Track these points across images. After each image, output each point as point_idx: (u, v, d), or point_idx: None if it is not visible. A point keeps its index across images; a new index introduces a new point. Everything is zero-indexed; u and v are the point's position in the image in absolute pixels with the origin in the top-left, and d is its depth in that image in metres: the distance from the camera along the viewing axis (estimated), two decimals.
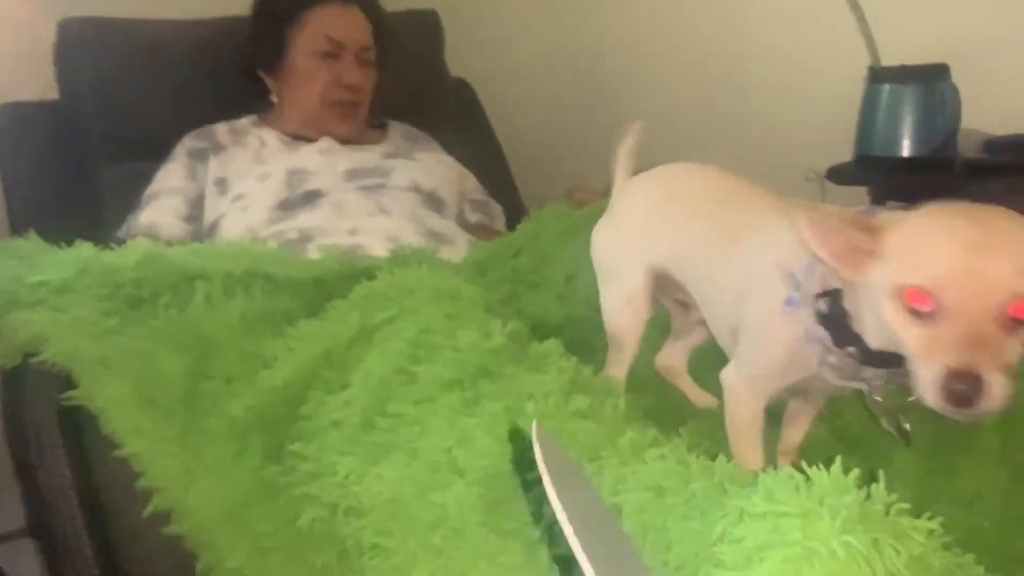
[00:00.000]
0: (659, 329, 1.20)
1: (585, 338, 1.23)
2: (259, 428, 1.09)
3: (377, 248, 1.49)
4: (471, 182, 1.86)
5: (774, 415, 1.06)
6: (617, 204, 1.16)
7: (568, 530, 0.59)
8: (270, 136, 1.74)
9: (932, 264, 0.72)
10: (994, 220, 0.72)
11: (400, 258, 1.35)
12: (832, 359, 0.83)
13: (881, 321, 0.76)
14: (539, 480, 0.66)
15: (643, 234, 1.08)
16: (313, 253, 1.46)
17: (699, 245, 1.00)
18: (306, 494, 1.00)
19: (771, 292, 0.87)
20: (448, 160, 1.84)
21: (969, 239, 0.71)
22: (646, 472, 0.82)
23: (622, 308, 1.11)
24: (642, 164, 1.16)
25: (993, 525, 0.92)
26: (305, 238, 1.54)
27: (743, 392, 0.94)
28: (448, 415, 0.96)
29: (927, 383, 0.70)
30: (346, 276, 1.22)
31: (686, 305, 1.16)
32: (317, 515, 0.99)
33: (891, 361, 0.78)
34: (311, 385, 1.07)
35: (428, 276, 1.17)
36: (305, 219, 1.57)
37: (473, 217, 1.81)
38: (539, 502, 0.81)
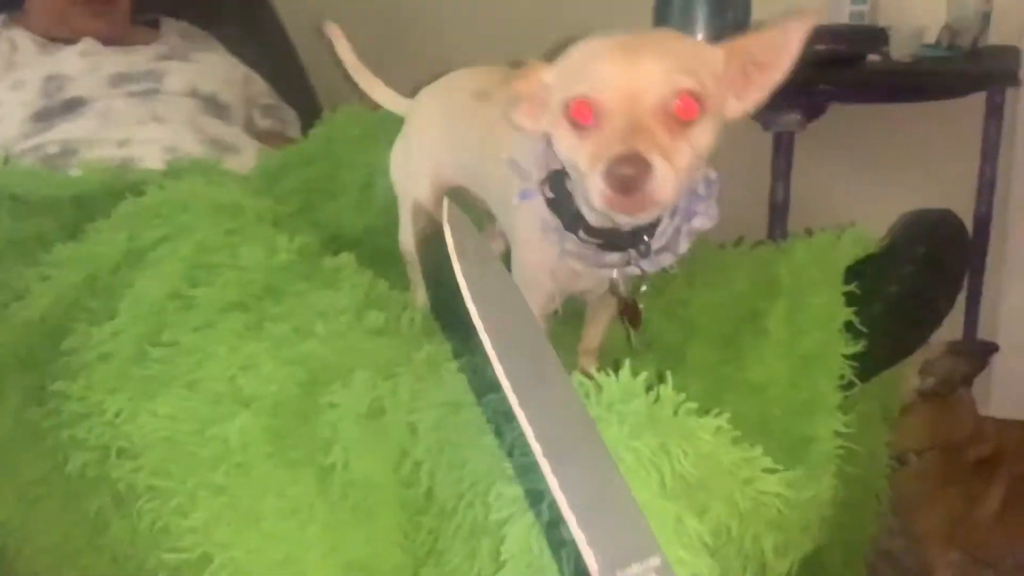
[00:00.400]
0: None
1: (385, 248, 1.18)
2: (16, 367, 0.99)
3: (152, 160, 1.36)
4: (259, 85, 1.72)
5: (574, 316, 1.05)
6: (407, 118, 1.10)
7: (479, 326, 0.53)
8: (22, 38, 1.54)
9: (590, 74, 0.70)
10: (651, 31, 0.74)
11: (176, 170, 1.23)
12: (570, 245, 0.81)
13: (564, 162, 0.74)
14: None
15: (428, 146, 1.02)
16: (78, 169, 1.30)
17: (475, 151, 0.95)
18: (73, 437, 0.91)
19: (512, 189, 0.84)
20: (231, 61, 1.69)
21: (625, 46, 0.70)
22: (441, 388, 0.79)
23: (410, 224, 1.05)
24: (443, 71, 1.10)
25: (781, 411, 0.94)
26: (68, 152, 1.38)
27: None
28: (230, 341, 0.89)
29: (593, 183, 0.68)
30: (111, 192, 1.11)
31: (490, 213, 1.12)
32: (87, 459, 0.90)
33: (621, 241, 0.79)
34: (73, 316, 0.97)
35: (204, 189, 1.08)
36: (66, 130, 1.40)
37: (263, 123, 1.68)
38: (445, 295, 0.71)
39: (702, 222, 0.82)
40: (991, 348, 1.47)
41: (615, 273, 0.83)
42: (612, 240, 0.80)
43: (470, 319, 0.53)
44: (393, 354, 0.87)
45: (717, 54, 0.72)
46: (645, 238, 0.79)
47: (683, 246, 0.83)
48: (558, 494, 0.48)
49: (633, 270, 0.82)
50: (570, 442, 0.50)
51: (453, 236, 0.58)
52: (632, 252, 0.80)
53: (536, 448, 0.49)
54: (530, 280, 0.87)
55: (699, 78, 0.69)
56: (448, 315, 0.71)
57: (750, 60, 0.72)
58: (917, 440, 1.39)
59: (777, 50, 0.72)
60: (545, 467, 0.49)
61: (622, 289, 0.83)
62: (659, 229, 0.80)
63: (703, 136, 0.70)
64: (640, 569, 0.45)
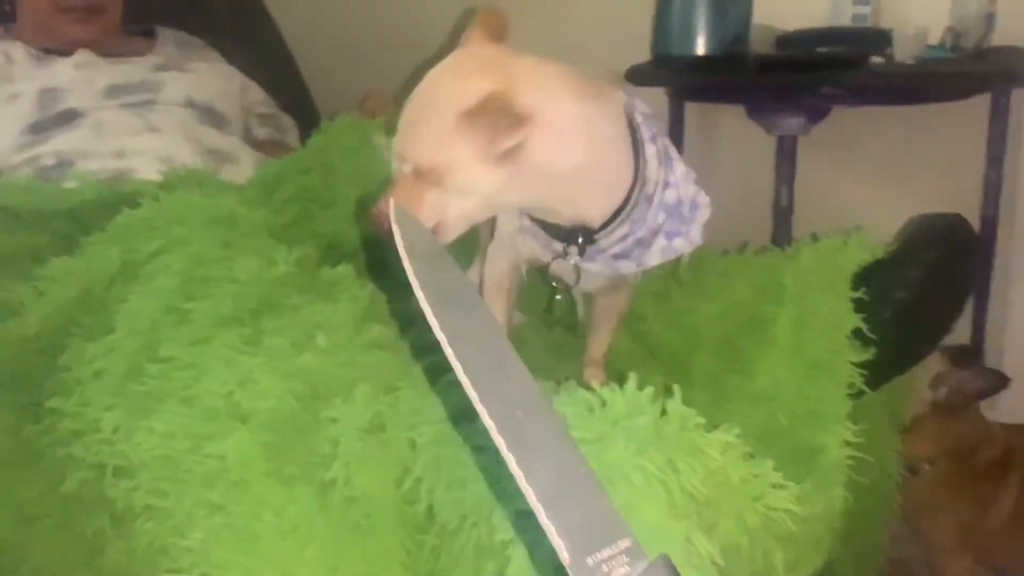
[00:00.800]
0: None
1: (384, 259, 1.16)
2: (10, 384, 0.97)
3: (149, 171, 1.34)
4: (256, 94, 1.71)
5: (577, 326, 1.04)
6: None
7: (434, 324, 0.54)
8: (16, 50, 1.53)
9: None
10: (431, 88, 0.79)
11: (172, 181, 1.21)
12: (526, 222, 0.87)
13: None
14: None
15: None
16: (73, 181, 1.29)
17: None
18: (70, 455, 0.89)
19: None
20: (228, 70, 1.67)
21: (402, 120, 0.79)
22: (440, 402, 0.77)
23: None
24: None
25: (788, 420, 0.93)
26: (64, 163, 1.37)
27: (492, 254, 0.96)
28: (226, 355, 0.88)
29: None
30: (106, 205, 1.09)
31: None
32: (83, 477, 0.88)
33: (557, 233, 0.85)
34: (68, 332, 0.95)
35: (199, 200, 1.06)
36: (61, 141, 1.39)
37: (261, 132, 1.67)
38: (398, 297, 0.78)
39: (682, 244, 0.85)
40: (1002, 382, 1.41)
41: (549, 257, 0.88)
42: (549, 229, 0.86)
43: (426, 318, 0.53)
44: (393, 368, 0.86)
45: (452, 123, 0.75)
46: (580, 239, 0.84)
47: (653, 259, 0.85)
48: (525, 487, 0.48)
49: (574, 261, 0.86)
50: (533, 433, 0.50)
51: (402, 237, 0.59)
52: (567, 246, 0.85)
53: (500, 441, 0.49)
54: (500, 244, 0.94)
55: (424, 153, 0.77)
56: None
57: (489, 124, 0.73)
58: (928, 449, 1.37)
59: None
60: (510, 460, 0.49)
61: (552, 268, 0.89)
62: (615, 234, 0.83)
63: (443, 183, 0.77)
64: (611, 552, 0.46)
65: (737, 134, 1.87)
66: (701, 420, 0.66)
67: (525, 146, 0.74)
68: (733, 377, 0.97)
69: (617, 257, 0.84)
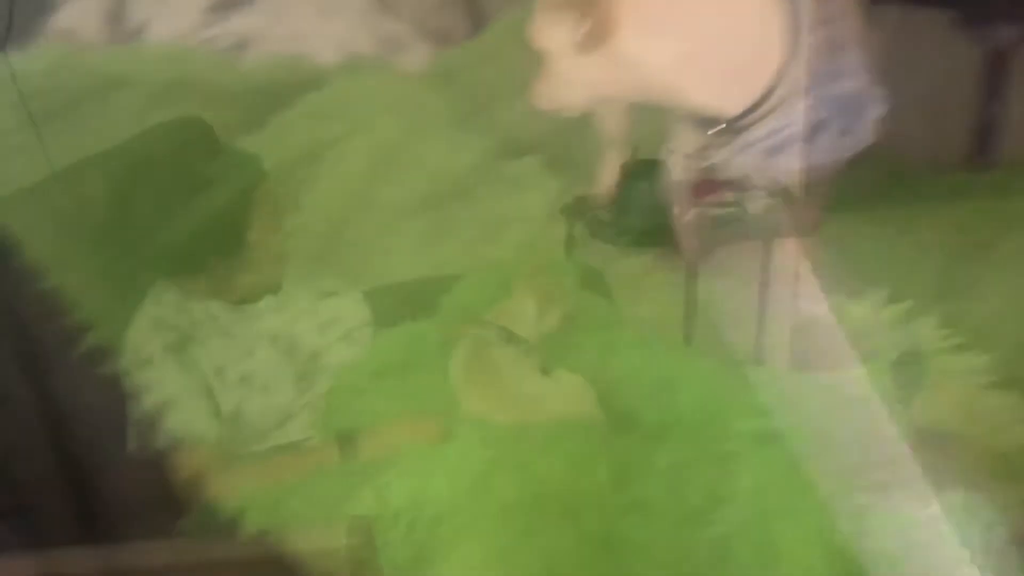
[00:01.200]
0: None
1: (564, 154, 1.13)
2: (199, 256, 0.98)
3: (325, 56, 1.34)
4: None
5: None
6: None
7: None
8: None
9: None
10: None
11: (352, 66, 1.21)
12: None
13: None
14: None
15: None
16: (251, 61, 1.30)
17: None
18: (257, 331, 0.89)
19: None
20: None
21: None
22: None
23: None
24: None
25: (1012, 349, 0.84)
26: (242, 44, 1.38)
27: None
28: (415, 243, 0.86)
29: None
30: (290, 85, 1.09)
31: None
32: (265, 357, 0.89)
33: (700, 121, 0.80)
34: (255, 211, 0.95)
35: (385, 85, 1.05)
36: (241, 23, 1.40)
37: (433, 21, 1.64)
38: None
39: (852, 141, 0.79)
40: None
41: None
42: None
43: None
44: (588, 270, 0.83)
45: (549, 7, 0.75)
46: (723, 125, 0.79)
47: (819, 157, 0.78)
48: None
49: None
50: None
51: None
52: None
53: None
54: None
55: (536, 39, 0.77)
56: None
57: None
58: None
59: None
60: None
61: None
62: (762, 127, 0.78)
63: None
64: None
65: (939, 44, 1.72)
66: (956, 341, 0.60)
67: (613, 36, 0.73)
68: (951, 302, 0.89)
69: (771, 152, 0.78)
